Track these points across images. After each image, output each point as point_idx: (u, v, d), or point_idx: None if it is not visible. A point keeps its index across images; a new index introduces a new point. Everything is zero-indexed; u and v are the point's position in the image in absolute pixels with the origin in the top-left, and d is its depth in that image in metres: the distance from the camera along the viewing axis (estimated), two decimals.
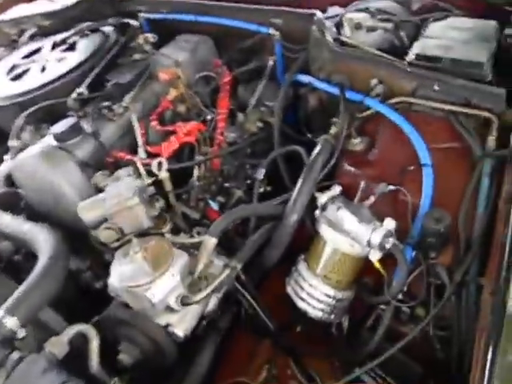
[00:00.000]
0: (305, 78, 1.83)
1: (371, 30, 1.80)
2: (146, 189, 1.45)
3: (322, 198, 1.46)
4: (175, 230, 1.54)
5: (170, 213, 1.61)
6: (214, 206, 1.71)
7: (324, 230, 1.42)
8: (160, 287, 1.25)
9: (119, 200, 1.34)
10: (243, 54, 2.11)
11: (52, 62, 1.94)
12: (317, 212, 1.47)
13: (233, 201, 1.84)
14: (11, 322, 1.10)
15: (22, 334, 1.12)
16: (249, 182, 1.89)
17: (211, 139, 1.82)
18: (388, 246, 1.30)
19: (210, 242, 1.37)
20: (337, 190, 1.47)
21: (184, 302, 1.29)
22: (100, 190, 1.47)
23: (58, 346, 1.14)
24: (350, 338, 1.50)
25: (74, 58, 1.90)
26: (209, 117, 1.85)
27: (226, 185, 1.85)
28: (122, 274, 1.28)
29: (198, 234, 1.53)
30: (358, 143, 1.65)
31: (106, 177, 1.49)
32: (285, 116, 1.90)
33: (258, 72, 2.07)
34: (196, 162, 1.70)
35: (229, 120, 1.92)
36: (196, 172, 1.72)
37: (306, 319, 1.48)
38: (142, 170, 1.51)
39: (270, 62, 1.94)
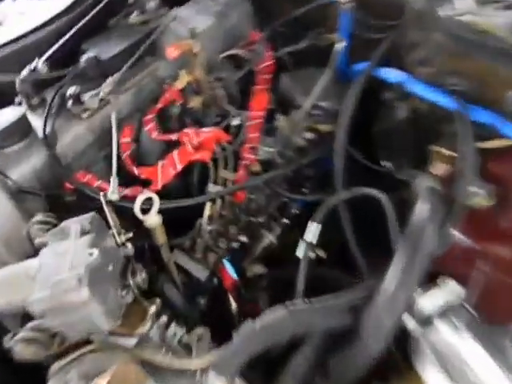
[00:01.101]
0: (393, 75, 1.14)
1: (508, 6, 1.11)
2: (117, 255, 0.82)
3: (425, 303, 0.81)
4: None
5: (160, 275, 1.01)
6: (231, 270, 1.09)
7: (429, 374, 0.77)
8: None
9: (58, 288, 0.71)
10: (294, 26, 1.43)
11: (12, 17, 1.30)
12: (410, 323, 0.83)
13: (259, 248, 1.25)
14: None
15: None
16: (287, 221, 1.29)
17: (236, 155, 1.19)
18: None
19: None
20: (454, 288, 0.81)
21: None
22: (35, 250, 0.84)
23: None
24: None
25: (41, 13, 1.25)
26: (235, 121, 1.20)
27: (252, 219, 1.24)
28: None
29: (199, 340, 0.89)
30: (481, 195, 0.98)
31: (45, 230, 0.85)
32: None
33: (313, 55, 1.40)
34: (209, 198, 1.06)
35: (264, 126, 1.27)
36: (207, 211, 1.08)
37: None
38: (110, 218, 0.86)
39: (341, 44, 1.24)
